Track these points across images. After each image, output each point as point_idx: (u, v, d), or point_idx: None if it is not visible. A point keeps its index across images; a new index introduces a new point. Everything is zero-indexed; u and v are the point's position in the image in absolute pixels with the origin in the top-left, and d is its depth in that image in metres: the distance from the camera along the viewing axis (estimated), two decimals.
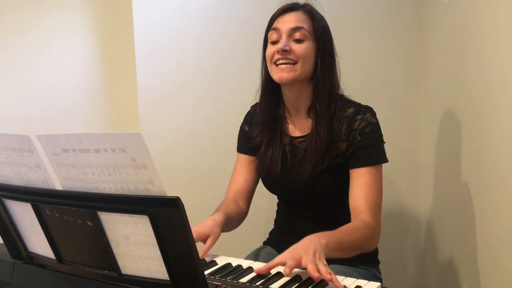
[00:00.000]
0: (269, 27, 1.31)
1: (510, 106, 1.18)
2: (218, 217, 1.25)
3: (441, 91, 1.70)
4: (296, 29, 1.25)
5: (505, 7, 1.20)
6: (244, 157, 1.45)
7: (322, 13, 1.32)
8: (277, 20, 1.28)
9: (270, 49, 1.28)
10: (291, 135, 1.36)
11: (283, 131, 1.37)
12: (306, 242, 1.04)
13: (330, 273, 0.95)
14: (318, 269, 0.95)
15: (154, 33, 1.90)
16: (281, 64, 1.25)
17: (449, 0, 1.59)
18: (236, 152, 1.48)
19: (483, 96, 1.34)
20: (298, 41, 1.25)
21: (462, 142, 1.49)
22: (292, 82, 1.27)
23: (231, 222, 1.33)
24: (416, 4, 1.87)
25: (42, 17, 1.92)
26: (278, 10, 1.30)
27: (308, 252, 0.99)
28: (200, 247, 1.16)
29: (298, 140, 1.35)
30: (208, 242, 1.17)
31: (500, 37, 1.22)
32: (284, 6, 1.30)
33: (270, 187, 1.42)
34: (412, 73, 1.91)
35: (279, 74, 1.26)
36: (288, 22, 1.26)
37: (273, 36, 1.28)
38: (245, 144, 1.44)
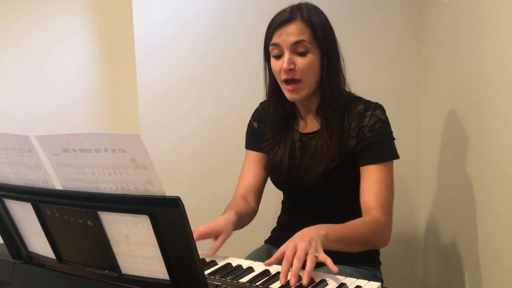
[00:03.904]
0: (269, 39, 1.28)
1: (511, 106, 1.18)
2: (230, 216, 1.25)
3: (441, 91, 1.70)
4: (297, 42, 1.22)
5: (505, 7, 1.20)
6: (253, 154, 1.44)
7: (324, 11, 1.30)
8: (276, 33, 1.25)
9: (276, 64, 1.27)
10: (301, 131, 1.36)
11: (293, 127, 1.37)
12: (305, 231, 1.06)
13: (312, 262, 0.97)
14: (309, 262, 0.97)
15: (154, 33, 1.90)
16: (288, 82, 1.25)
17: (449, 0, 1.59)
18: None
19: (483, 96, 1.34)
20: (301, 54, 1.23)
21: (462, 141, 1.49)
22: (304, 99, 1.29)
23: (242, 220, 1.33)
24: (416, 4, 1.87)
25: (42, 17, 1.92)
26: (275, 22, 1.26)
27: (304, 239, 1.01)
28: (206, 243, 1.17)
29: (308, 136, 1.35)
30: (219, 239, 1.17)
31: (501, 37, 1.22)
32: (282, 16, 1.25)
33: (278, 184, 1.42)
34: (412, 72, 1.91)
35: (289, 94, 1.27)
36: (288, 36, 1.23)
37: (274, 50, 1.26)
38: (254, 141, 1.44)
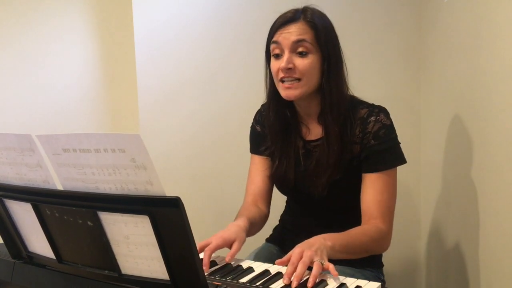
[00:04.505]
0: (270, 38, 1.27)
1: (510, 106, 1.18)
2: (242, 222, 1.23)
3: (441, 91, 1.70)
4: (298, 41, 1.21)
5: (505, 7, 1.20)
6: (258, 158, 1.42)
7: (325, 12, 1.28)
8: (278, 32, 1.24)
9: (274, 64, 1.25)
10: (305, 138, 1.34)
11: (297, 134, 1.34)
12: (312, 240, 1.08)
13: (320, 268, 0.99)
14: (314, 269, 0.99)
15: (154, 33, 1.90)
16: (286, 81, 1.23)
17: (449, 0, 1.59)
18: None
19: (483, 96, 1.34)
20: (301, 54, 1.21)
21: (462, 142, 1.49)
22: (300, 98, 1.25)
23: (255, 226, 1.31)
24: (416, 4, 1.87)
25: (42, 17, 1.92)
26: (278, 21, 1.25)
27: (310, 248, 1.03)
28: (222, 252, 1.16)
29: (311, 144, 1.33)
30: (234, 246, 1.14)
31: (500, 37, 1.22)
32: (285, 16, 1.25)
33: (283, 191, 1.41)
34: (412, 73, 1.90)
35: (285, 92, 1.24)
36: (289, 35, 1.21)
37: (275, 49, 1.25)
38: (259, 145, 1.41)
